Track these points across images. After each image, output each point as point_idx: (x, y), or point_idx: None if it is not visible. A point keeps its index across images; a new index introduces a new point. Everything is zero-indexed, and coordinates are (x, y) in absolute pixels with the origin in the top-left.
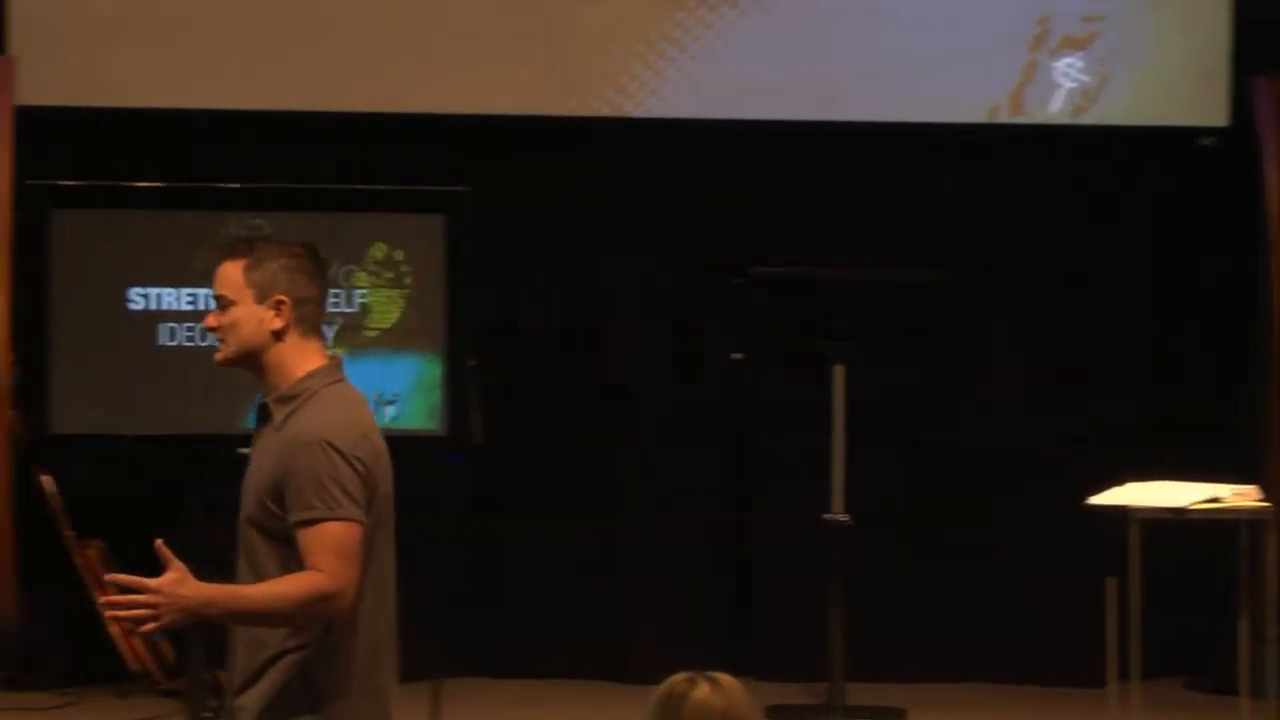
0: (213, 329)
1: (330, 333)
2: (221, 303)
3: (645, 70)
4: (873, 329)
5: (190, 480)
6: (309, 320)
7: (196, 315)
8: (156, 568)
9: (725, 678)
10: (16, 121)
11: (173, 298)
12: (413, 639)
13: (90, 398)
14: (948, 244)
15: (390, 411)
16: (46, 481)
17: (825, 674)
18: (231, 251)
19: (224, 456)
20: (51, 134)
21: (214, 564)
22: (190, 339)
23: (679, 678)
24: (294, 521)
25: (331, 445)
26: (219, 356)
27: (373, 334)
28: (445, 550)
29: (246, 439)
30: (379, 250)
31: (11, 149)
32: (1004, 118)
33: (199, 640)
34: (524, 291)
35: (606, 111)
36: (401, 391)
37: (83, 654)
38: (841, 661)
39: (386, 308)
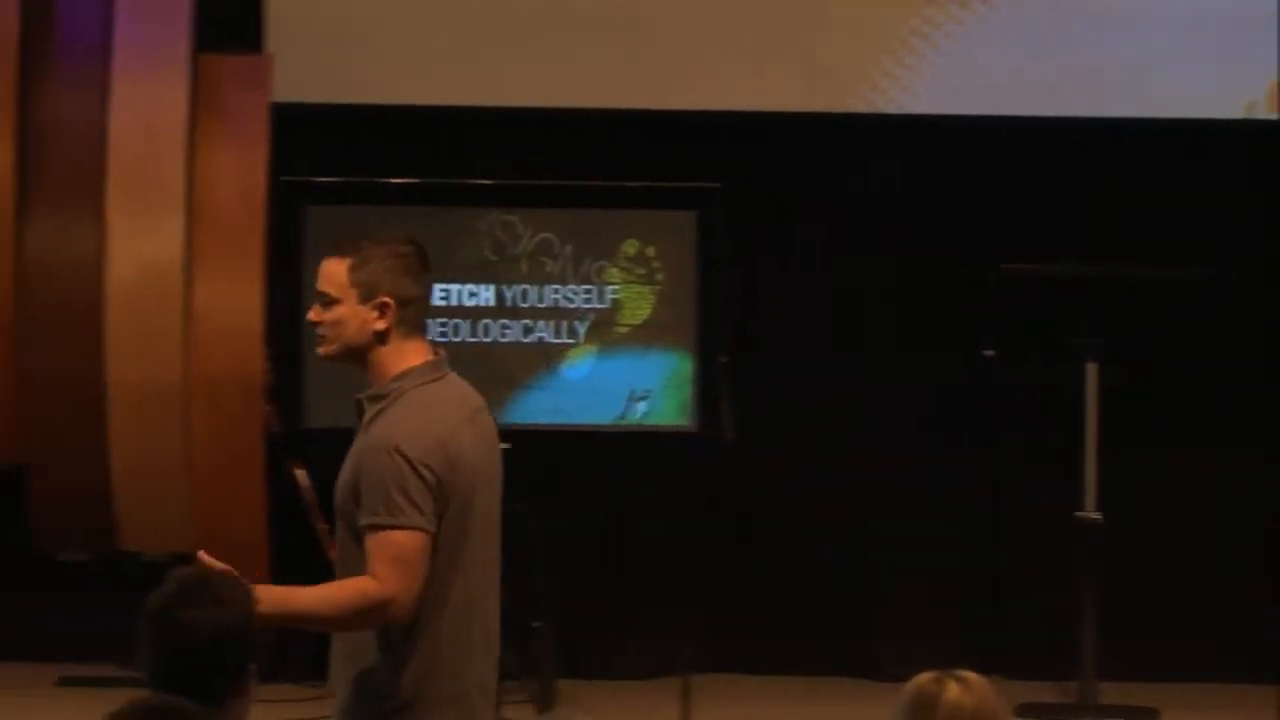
0: (315, 324)
1: (582, 329)
2: (325, 300)
3: (897, 66)
4: (1126, 326)
5: None
6: (411, 321)
7: (450, 311)
8: None
9: (972, 676)
10: (272, 118)
11: None
12: (663, 635)
13: (343, 392)
14: (1202, 241)
15: (641, 408)
16: (300, 475)
17: (1075, 672)
18: (337, 249)
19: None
20: (306, 131)
21: None
22: (444, 334)
23: (927, 678)
24: (360, 525)
25: (400, 452)
26: (322, 351)
27: (624, 330)
28: (695, 546)
29: (502, 433)
30: (631, 246)
31: (267, 146)
32: (1260, 113)
33: None
34: (773, 288)
35: (860, 108)
36: (653, 388)
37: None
38: (1093, 660)
39: (638, 304)
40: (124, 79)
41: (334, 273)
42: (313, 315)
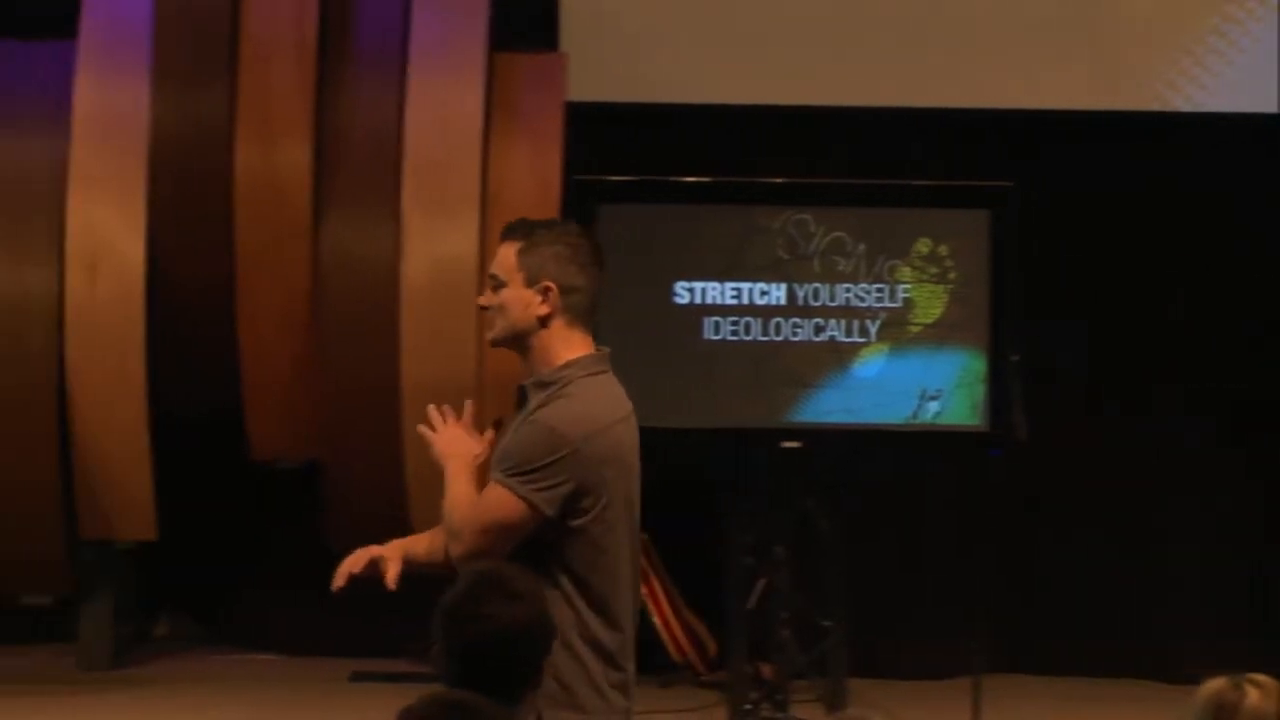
0: (483, 308)
1: (873, 327)
2: (494, 283)
3: (1194, 64)
4: None
5: (735, 473)
6: (576, 309)
7: (742, 309)
8: (700, 559)
9: (1266, 679)
10: (566, 117)
11: (717, 292)
12: (953, 635)
13: (635, 390)
14: None
15: (933, 407)
16: None
17: None
18: (510, 234)
19: (770, 449)
20: (600, 129)
21: (752, 555)
22: (735, 333)
23: (1223, 683)
24: (493, 472)
25: (559, 433)
26: (489, 336)
27: (916, 329)
28: (985, 546)
29: (791, 432)
30: (923, 245)
31: (561, 144)
32: None
33: (742, 632)
34: (1066, 286)
35: (1154, 106)
36: (945, 387)
37: None
38: None
39: (930, 303)
40: (420, 79)
41: (504, 256)
42: (481, 299)
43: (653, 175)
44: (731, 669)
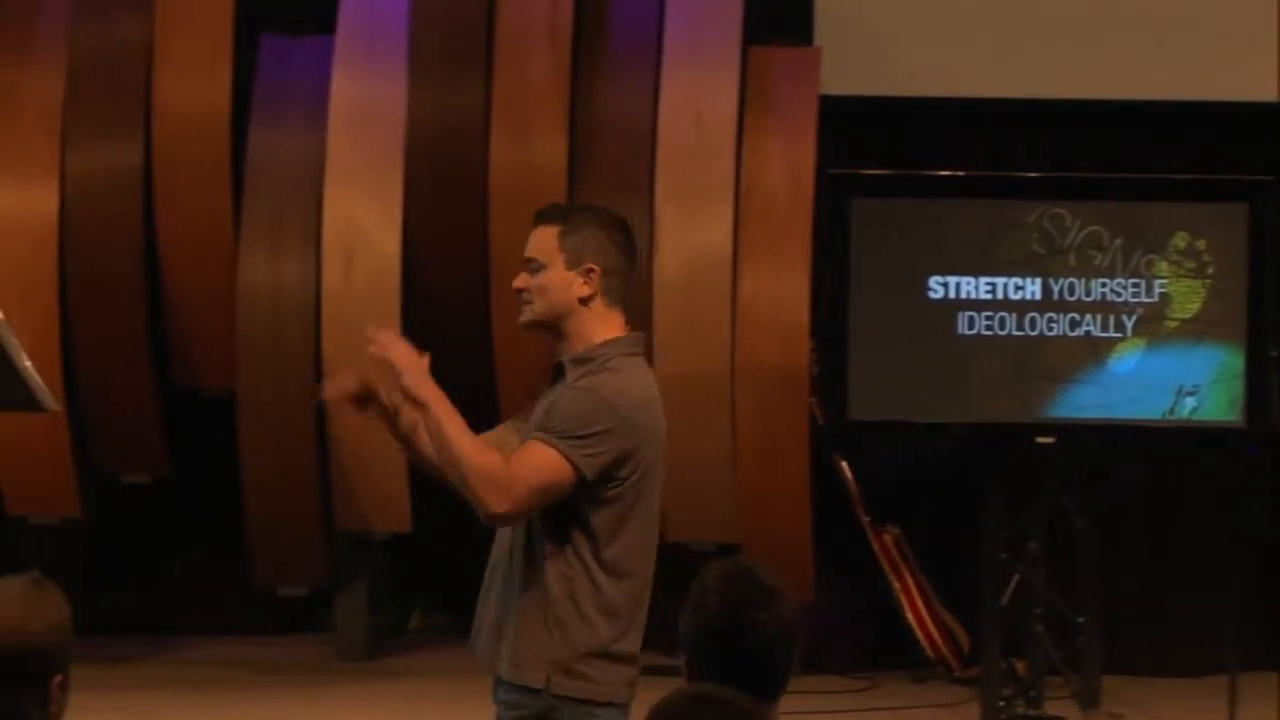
0: (520, 290)
1: (1130, 322)
2: (532, 266)
3: None
4: None
5: (990, 469)
6: (615, 291)
7: (996, 304)
8: (954, 555)
9: None
10: (820, 110)
11: (972, 286)
12: (1209, 632)
13: (887, 385)
14: None
15: (1190, 403)
16: (844, 468)
17: None
18: (548, 217)
19: (1026, 445)
20: (854, 122)
21: (1006, 551)
22: (989, 328)
23: None
24: (536, 428)
25: (606, 399)
26: (523, 319)
27: (1173, 324)
28: (1243, 543)
29: (1046, 428)
30: (1180, 240)
31: (815, 137)
32: None
33: (995, 628)
34: None
35: None
36: (1202, 383)
37: (879, 639)
38: None
39: (1187, 298)
40: (675, 71)
41: (543, 239)
42: (519, 281)
43: (906, 169)
44: (985, 665)
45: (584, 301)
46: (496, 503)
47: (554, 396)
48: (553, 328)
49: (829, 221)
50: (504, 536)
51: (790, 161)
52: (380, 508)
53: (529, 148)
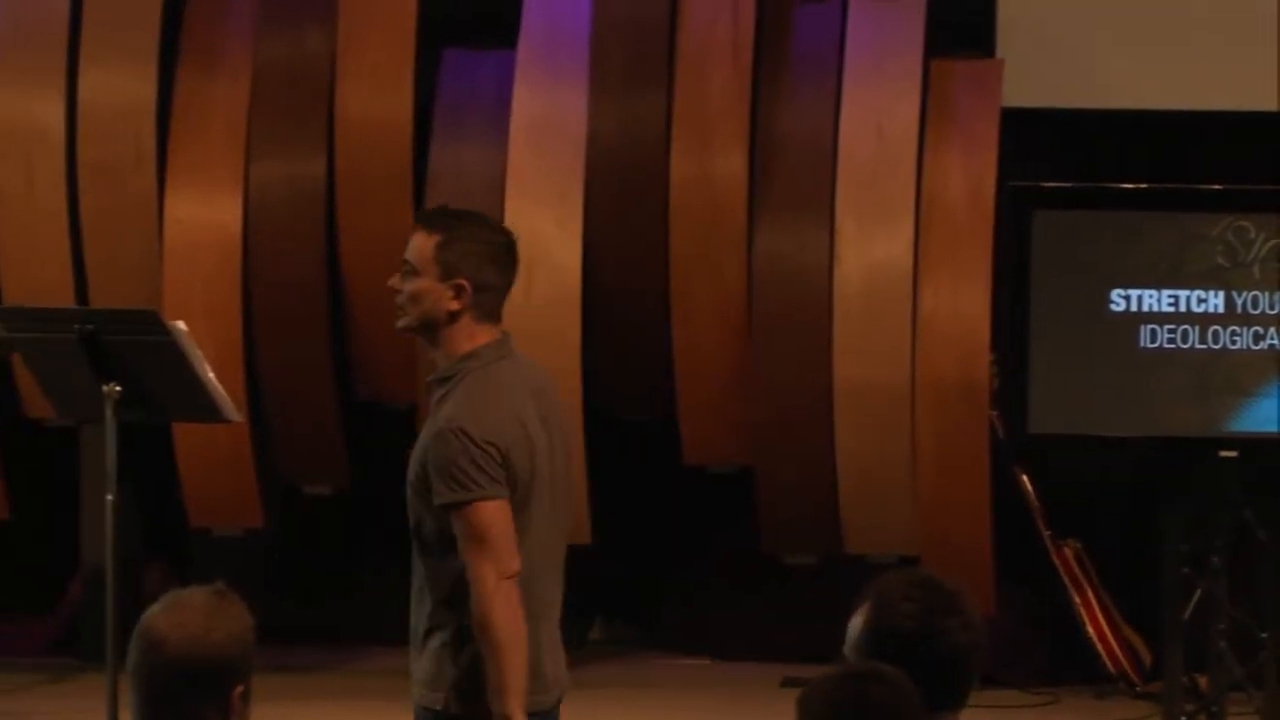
0: (394, 291)
1: None
2: (406, 269)
3: None
4: None
5: (1171, 482)
6: (486, 306)
7: (1179, 317)
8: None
9: None
10: (1001, 122)
11: (1154, 299)
12: None
13: (1068, 398)
14: None
15: None
16: (1024, 481)
17: None
18: (430, 223)
19: (1208, 459)
20: (1035, 135)
21: (1189, 565)
22: (1172, 341)
23: None
24: (438, 505)
25: (465, 432)
26: (399, 324)
27: None
28: None
29: (1229, 442)
30: None
31: (996, 150)
32: None
33: (1177, 643)
34: None
35: None
36: None
37: (1060, 653)
38: None
39: None
40: (855, 85)
41: (420, 246)
42: (392, 281)
43: (1088, 182)
44: (1167, 681)
45: (453, 316)
46: (505, 586)
47: (430, 428)
48: (426, 335)
49: (1010, 234)
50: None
51: (971, 174)
52: None
53: (710, 162)
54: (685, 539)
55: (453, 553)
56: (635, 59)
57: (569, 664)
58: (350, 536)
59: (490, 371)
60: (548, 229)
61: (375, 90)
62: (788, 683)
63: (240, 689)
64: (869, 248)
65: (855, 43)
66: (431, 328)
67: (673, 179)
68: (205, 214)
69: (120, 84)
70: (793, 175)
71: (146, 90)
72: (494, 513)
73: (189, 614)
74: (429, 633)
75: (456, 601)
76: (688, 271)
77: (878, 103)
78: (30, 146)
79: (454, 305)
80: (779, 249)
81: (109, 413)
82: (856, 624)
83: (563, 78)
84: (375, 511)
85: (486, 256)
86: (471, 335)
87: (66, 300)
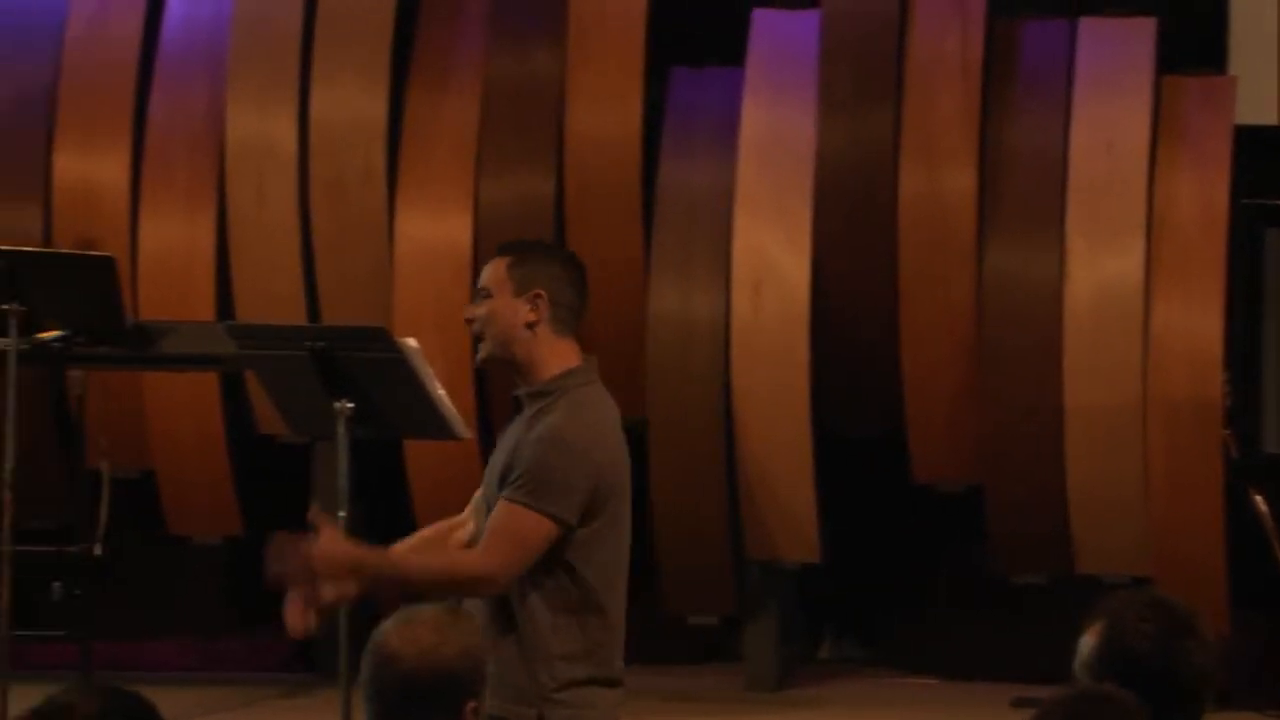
0: (469, 321)
1: None
2: (481, 295)
3: None
4: None
5: None
6: (564, 322)
7: None
8: None
9: None
10: (1234, 140)
11: None
12: None
13: None
14: None
15: None
16: (1259, 501)
17: None
18: (503, 250)
19: None
20: (1269, 152)
21: None
22: None
23: None
24: (504, 493)
25: (566, 442)
26: (479, 356)
27: None
28: None
29: None
30: None
31: (1229, 167)
32: None
33: None
34: None
35: None
36: None
37: None
38: None
39: None
40: (1086, 101)
41: (493, 270)
42: (466, 311)
43: None
44: None
45: (530, 326)
46: (487, 590)
47: (513, 442)
48: (508, 360)
49: (1242, 252)
50: None
51: (1203, 192)
52: (790, 537)
53: (939, 179)
54: (914, 558)
55: (527, 574)
56: (864, 76)
57: (799, 680)
58: None
59: (591, 390)
60: (776, 247)
61: (604, 108)
62: (1017, 703)
63: (472, 704)
64: (1099, 265)
65: (1086, 59)
66: (511, 345)
67: (901, 196)
68: (436, 231)
69: (351, 101)
70: (1022, 192)
71: (377, 108)
72: (545, 532)
73: (421, 629)
74: (500, 645)
75: (531, 613)
76: (916, 289)
77: (1108, 119)
78: (263, 164)
79: (530, 316)
80: (1008, 266)
81: (341, 429)
82: (1088, 643)
83: (791, 95)
84: None
85: (560, 274)
86: (557, 352)
87: (298, 317)
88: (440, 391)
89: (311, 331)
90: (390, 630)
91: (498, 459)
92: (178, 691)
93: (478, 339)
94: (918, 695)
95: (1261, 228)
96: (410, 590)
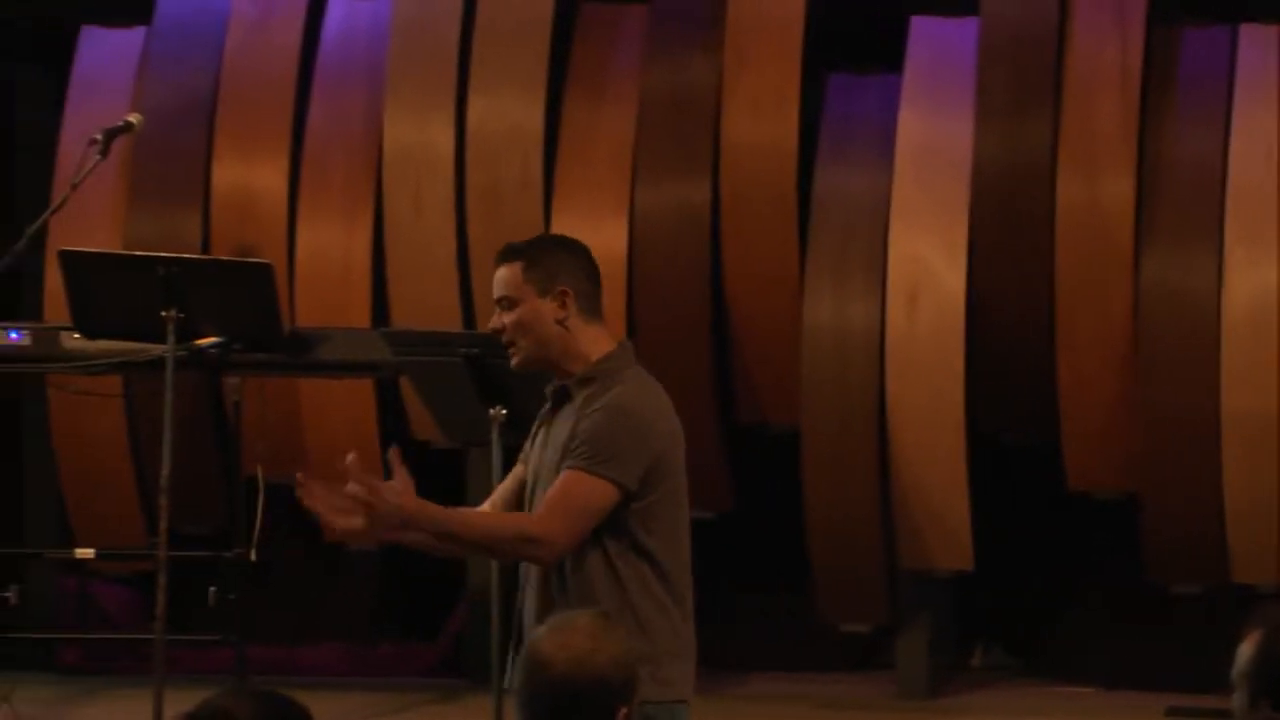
0: (499, 332)
1: None
2: (505, 305)
3: None
4: None
5: None
6: (589, 309)
7: None
8: None
9: None
10: None
11: None
12: None
13: None
14: None
15: None
16: None
17: None
18: (507, 256)
19: None
20: None
21: None
22: None
23: None
24: (566, 463)
25: (629, 412)
26: (515, 362)
27: None
28: None
29: None
30: None
31: None
32: None
33: None
34: None
35: None
36: None
37: None
38: None
39: None
40: (1247, 109)
41: (508, 277)
42: (494, 322)
43: None
44: None
45: (561, 323)
46: (542, 555)
47: (567, 424)
48: (545, 360)
49: None
50: None
51: None
52: (943, 545)
53: (1097, 187)
54: (1068, 566)
55: (601, 552)
56: (1022, 84)
57: (951, 688)
58: (732, 560)
59: (639, 371)
60: (933, 256)
61: (760, 115)
62: (1171, 712)
63: (624, 711)
64: (1259, 274)
65: (1247, 67)
66: (549, 346)
67: (1059, 205)
68: (591, 238)
69: (508, 110)
70: (1181, 201)
71: (534, 116)
72: (603, 496)
73: (574, 636)
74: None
75: (610, 590)
76: (1073, 298)
77: (1268, 127)
78: (420, 172)
79: (560, 313)
80: (1166, 275)
81: (494, 436)
82: (1246, 651)
83: (948, 104)
84: (756, 535)
85: (574, 264)
86: (592, 338)
87: (453, 324)
88: None
89: (466, 338)
90: (543, 636)
91: (545, 455)
92: (331, 696)
93: (509, 346)
94: (1070, 704)
95: None
96: (465, 543)
